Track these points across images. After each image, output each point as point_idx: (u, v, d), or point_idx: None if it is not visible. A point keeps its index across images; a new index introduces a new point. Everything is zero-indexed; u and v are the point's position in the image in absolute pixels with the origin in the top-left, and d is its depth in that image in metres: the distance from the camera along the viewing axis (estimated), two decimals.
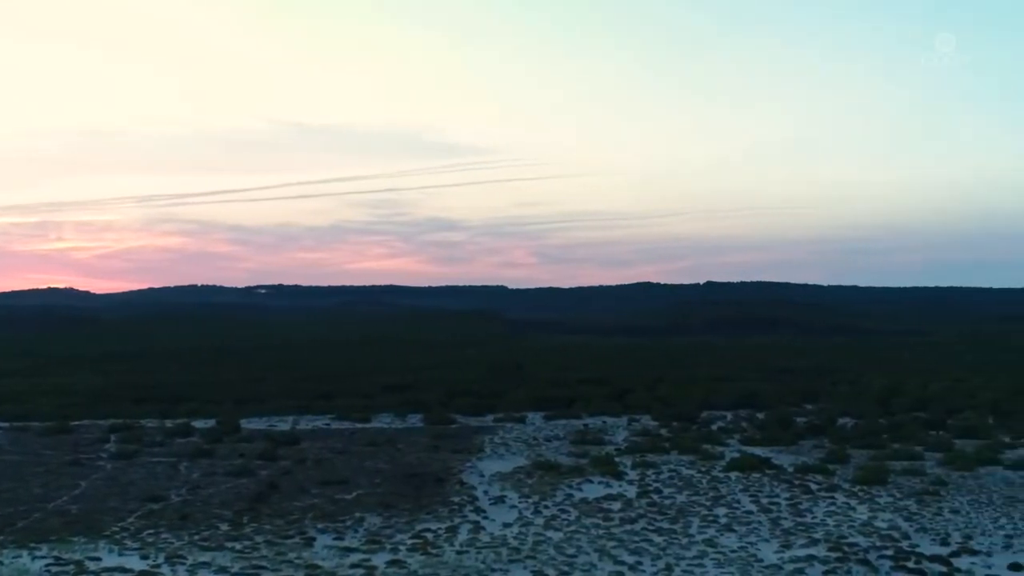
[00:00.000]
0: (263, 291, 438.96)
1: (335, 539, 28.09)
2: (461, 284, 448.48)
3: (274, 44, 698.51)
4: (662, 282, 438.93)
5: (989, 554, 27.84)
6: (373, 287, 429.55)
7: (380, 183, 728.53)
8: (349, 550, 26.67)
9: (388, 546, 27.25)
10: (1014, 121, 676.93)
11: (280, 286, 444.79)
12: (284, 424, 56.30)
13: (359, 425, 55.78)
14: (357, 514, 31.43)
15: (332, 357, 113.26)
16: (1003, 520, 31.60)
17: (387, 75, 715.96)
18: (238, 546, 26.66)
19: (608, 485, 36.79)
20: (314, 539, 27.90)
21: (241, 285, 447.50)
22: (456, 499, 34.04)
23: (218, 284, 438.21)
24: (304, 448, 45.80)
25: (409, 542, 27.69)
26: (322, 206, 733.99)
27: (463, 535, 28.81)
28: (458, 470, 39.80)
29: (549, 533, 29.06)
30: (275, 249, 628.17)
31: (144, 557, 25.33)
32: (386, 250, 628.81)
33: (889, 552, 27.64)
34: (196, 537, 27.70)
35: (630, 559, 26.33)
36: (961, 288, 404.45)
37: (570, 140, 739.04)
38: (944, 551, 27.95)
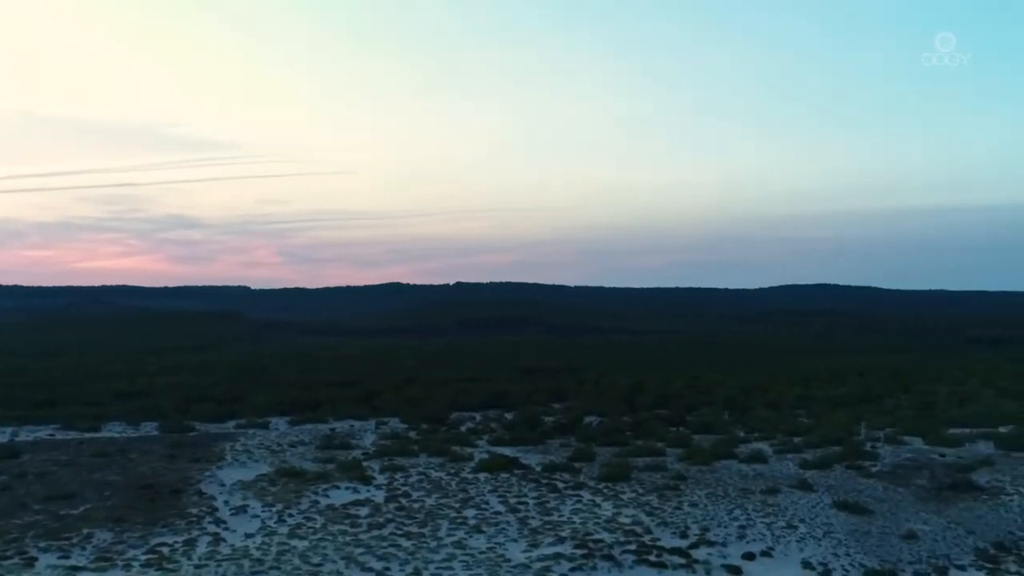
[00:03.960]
0: None
1: (60, 558, 26.03)
2: (201, 284, 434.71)
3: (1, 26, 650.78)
4: (412, 283, 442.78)
5: (725, 544, 29.15)
6: (105, 287, 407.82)
7: (114, 177, 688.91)
8: (76, 569, 24.90)
9: (120, 563, 25.59)
10: (761, 127, 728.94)
11: None
12: (2, 436, 51.76)
13: (87, 435, 52.04)
14: (85, 530, 29.22)
15: (58, 362, 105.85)
16: (737, 512, 33.21)
17: (125, 64, 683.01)
18: None
19: (356, 490, 36.00)
20: (36, 559, 25.77)
21: None
22: (194, 510, 32.31)
23: None
24: (25, 461, 42.19)
25: (143, 558, 26.09)
26: (50, 201, 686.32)
27: (202, 548, 27.42)
28: (196, 480, 37.84)
29: (294, 542, 28.11)
30: None
31: None
32: (120, 248, 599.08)
33: (632, 547, 28.38)
34: None
35: (378, 565, 25.84)
36: (703, 289, 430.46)
37: (318, 137, 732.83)
38: (683, 543, 29.03)
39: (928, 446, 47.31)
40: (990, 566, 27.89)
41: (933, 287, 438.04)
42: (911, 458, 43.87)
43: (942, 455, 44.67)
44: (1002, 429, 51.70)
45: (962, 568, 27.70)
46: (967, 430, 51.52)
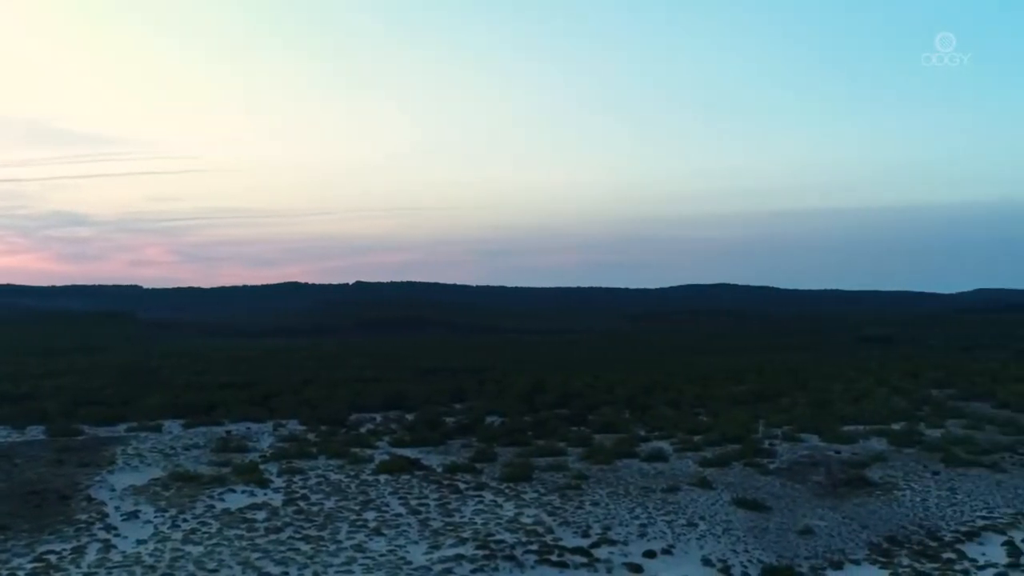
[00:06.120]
0: None
1: None
2: (90, 283, 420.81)
3: None
4: (310, 282, 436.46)
5: (626, 543, 29.40)
6: None
7: None
8: None
9: (4, 572, 24.84)
10: (661, 129, 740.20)
11: None
12: None
13: None
14: None
15: None
16: (639, 510, 33.48)
17: (8, 54, 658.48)
18: None
19: (252, 494, 35.33)
20: None
21: None
22: (83, 517, 31.38)
23: None
24: None
25: (29, 567, 25.31)
26: None
27: (91, 555, 26.67)
28: (85, 485, 36.70)
29: (188, 548, 27.45)
30: None
31: None
32: (2, 246, 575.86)
33: (534, 547, 28.43)
34: None
35: (276, 570, 25.43)
36: (605, 288, 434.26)
37: (214, 134, 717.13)
38: (585, 543, 29.20)
39: (824, 443, 48.38)
40: (883, 560, 28.68)
41: (828, 287, 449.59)
42: (807, 455, 44.83)
43: (837, 452, 45.74)
44: (894, 426, 53.28)
45: (856, 562, 28.42)
46: (861, 427, 52.89)
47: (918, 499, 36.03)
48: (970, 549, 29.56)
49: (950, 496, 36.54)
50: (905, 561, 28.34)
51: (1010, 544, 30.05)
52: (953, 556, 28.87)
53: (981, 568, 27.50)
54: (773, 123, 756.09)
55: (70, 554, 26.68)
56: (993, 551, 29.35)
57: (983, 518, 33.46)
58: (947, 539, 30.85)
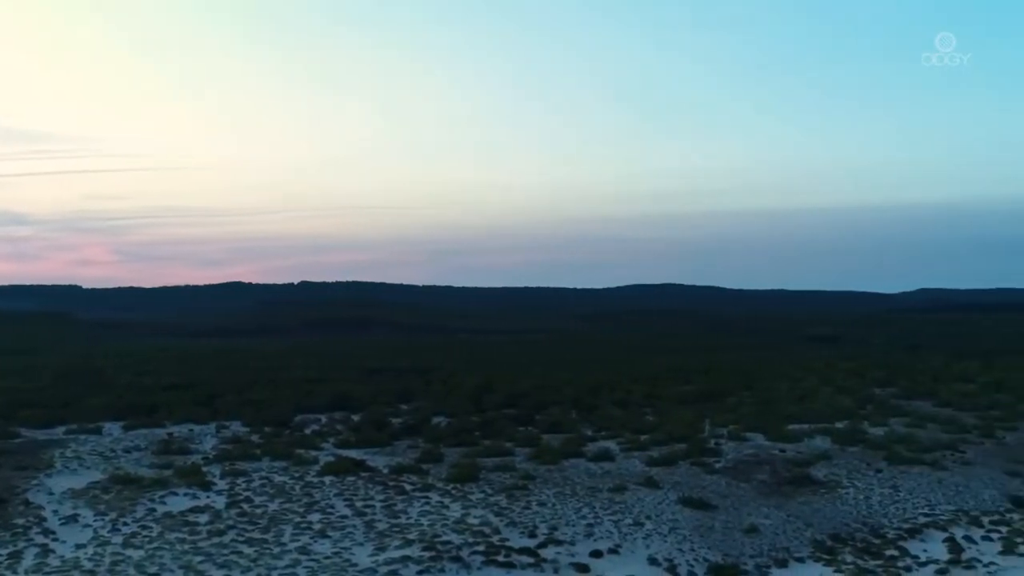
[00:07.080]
0: None
1: None
2: (28, 283, 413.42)
3: None
4: (254, 282, 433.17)
5: (573, 543, 29.38)
6: None
7: None
8: None
9: None
10: (607, 131, 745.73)
11: None
12: None
13: None
14: None
15: None
16: (585, 510, 33.48)
17: None
18: None
19: (195, 496, 34.74)
20: None
21: None
22: (20, 521, 30.67)
23: None
24: None
25: None
26: None
27: (28, 560, 26.14)
28: (23, 489, 35.84)
29: (129, 552, 26.95)
30: None
31: None
32: None
33: (481, 548, 28.32)
34: None
35: (218, 573, 25.08)
36: (552, 288, 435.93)
37: (156, 132, 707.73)
38: (532, 543, 29.13)
39: (769, 442, 48.76)
40: (827, 557, 28.97)
41: (774, 287, 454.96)
42: (753, 454, 45.13)
43: (782, 451, 46.13)
44: (838, 424, 53.92)
45: (801, 560, 28.66)
46: (805, 426, 53.39)
47: (861, 497, 36.46)
48: (912, 546, 29.99)
49: (893, 494, 37.02)
50: (849, 558, 28.63)
51: (951, 541, 30.52)
52: (896, 553, 29.24)
53: (923, 565, 27.86)
54: (724, 124, 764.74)
55: (6, 560, 26.10)
56: (935, 548, 29.79)
57: (925, 515, 33.97)
58: (890, 536, 31.25)
